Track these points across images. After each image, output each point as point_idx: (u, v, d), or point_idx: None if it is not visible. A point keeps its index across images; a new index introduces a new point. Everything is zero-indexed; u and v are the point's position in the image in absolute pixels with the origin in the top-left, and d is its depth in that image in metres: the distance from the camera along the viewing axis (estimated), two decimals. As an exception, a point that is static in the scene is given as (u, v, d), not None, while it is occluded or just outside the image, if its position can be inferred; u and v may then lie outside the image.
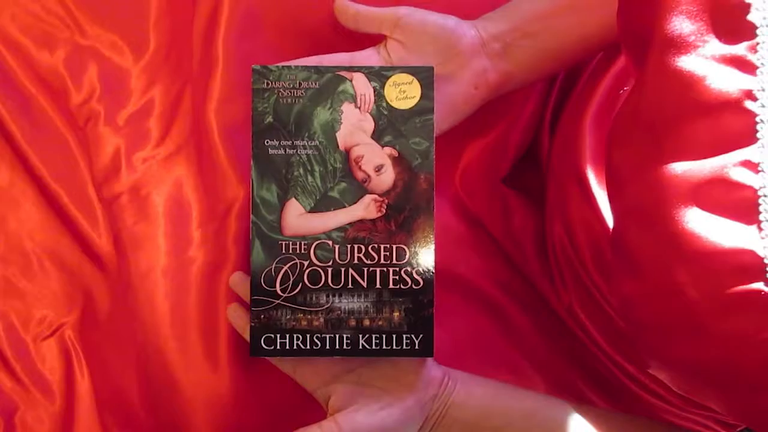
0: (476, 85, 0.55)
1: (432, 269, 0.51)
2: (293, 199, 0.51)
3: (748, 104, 0.37)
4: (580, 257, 0.59)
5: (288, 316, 0.51)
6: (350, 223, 0.51)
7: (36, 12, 0.58)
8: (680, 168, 0.38)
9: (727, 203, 0.37)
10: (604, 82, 0.60)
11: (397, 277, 0.51)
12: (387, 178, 0.51)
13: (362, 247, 0.51)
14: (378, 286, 0.51)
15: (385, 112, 0.51)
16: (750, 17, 0.37)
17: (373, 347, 0.51)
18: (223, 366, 0.56)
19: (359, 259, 0.51)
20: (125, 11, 0.58)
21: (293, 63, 0.54)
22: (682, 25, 0.38)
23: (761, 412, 0.38)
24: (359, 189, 0.51)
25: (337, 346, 0.51)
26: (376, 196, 0.51)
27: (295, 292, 0.51)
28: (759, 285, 0.35)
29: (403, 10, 0.55)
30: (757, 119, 0.37)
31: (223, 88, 0.58)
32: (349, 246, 0.51)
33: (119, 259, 0.58)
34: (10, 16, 0.58)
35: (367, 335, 0.51)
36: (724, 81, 0.37)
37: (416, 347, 0.51)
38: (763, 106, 0.37)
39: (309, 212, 0.51)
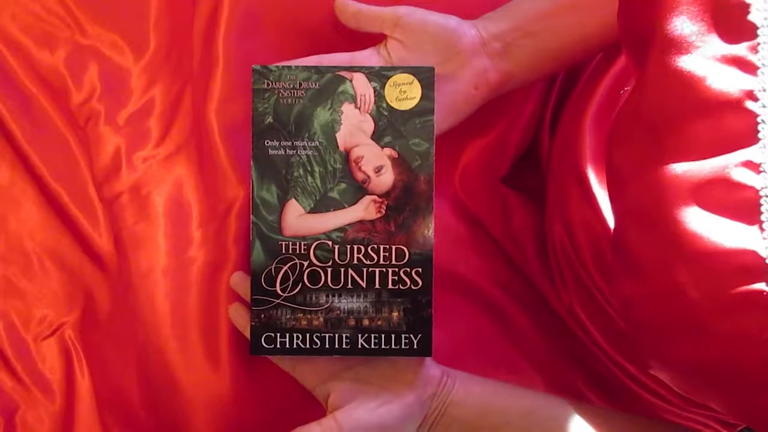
0: (476, 84, 0.55)
1: (431, 270, 0.51)
2: (293, 199, 0.51)
3: (749, 104, 0.37)
4: (580, 257, 0.59)
5: (288, 316, 0.51)
6: (350, 224, 0.51)
7: (36, 11, 0.58)
8: (681, 168, 0.38)
9: (729, 204, 0.37)
10: (605, 81, 0.59)
11: (396, 278, 0.51)
12: (387, 179, 0.51)
13: (362, 247, 0.51)
14: (377, 286, 0.51)
15: (385, 113, 0.51)
16: (751, 17, 0.37)
17: (372, 347, 0.51)
18: (223, 366, 0.56)
19: (359, 259, 0.51)
20: (126, 11, 0.58)
21: (293, 63, 0.54)
22: (682, 25, 0.38)
23: (762, 412, 0.38)
24: (359, 190, 0.51)
25: (337, 346, 0.51)
26: (375, 196, 0.51)
27: (295, 291, 0.51)
28: (761, 285, 0.35)
29: (403, 10, 0.55)
30: (759, 119, 0.37)
31: (223, 88, 0.58)
32: (348, 246, 0.51)
33: (120, 259, 0.58)
34: (10, 15, 0.58)
35: (366, 335, 0.51)
36: (724, 81, 0.37)
37: (415, 347, 0.51)
38: (764, 106, 0.37)
39: (309, 213, 0.51)
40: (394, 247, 0.51)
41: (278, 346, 0.51)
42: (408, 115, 0.51)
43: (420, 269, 0.51)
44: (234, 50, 0.58)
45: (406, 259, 0.51)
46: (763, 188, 0.36)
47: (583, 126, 0.59)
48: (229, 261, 0.57)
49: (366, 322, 0.51)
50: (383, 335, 0.51)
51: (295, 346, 0.51)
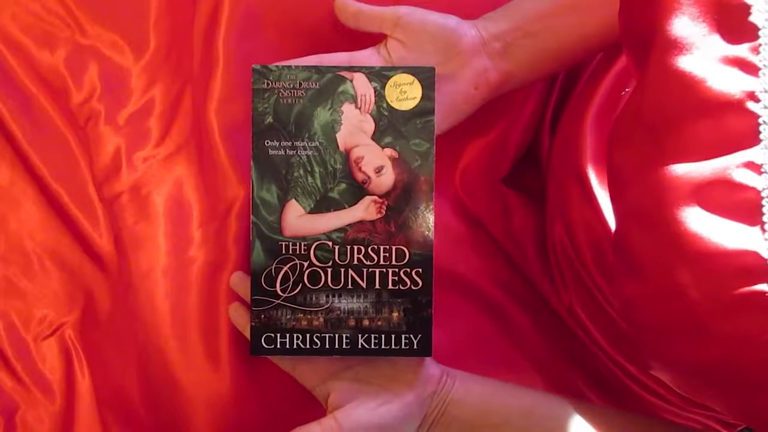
0: (477, 84, 0.55)
1: (431, 271, 0.51)
2: (293, 200, 0.51)
3: (751, 105, 0.37)
4: (580, 257, 0.59)
5: (288, 316, 0.51)
6: (350, 224, 0.51)
7: (36, 11, 0.58)
8: (682, 169, 0.38)
9: (730, 204, 0.37)
10: (605, 82, 0.59)
11: (396, 278, 0.51)
12: (387, 179, 0.51)
13: (362, 248, 0.51)
14: (377, 286, 0.51)
15: (386, 113, 0.51)
16: (752, 18, 0.37)
17: (372, 347, 0.51)
18: (223, 365, 0.56)
19: (359, 259, 0.51)
20: (126, 11, 0.58)
21: (293, 62, 0.54)
22: (683, 26, 0.38)
23: (762, 412, 0.37)
24: (359, 190, 0.51)
25: (337, 346, 0.51)
26: (375, 197, 0.51)
27: (295, 292, 0.51)
28: (762, 286, 0.35)
29: (403, 9, 0.55)
30: (760, 120, 0.37)
31: (223, 87, 0.58)
32: (348, 247, 0.51)
33: (120, 259, 0.58)
34: (10, 15, 0.58)
35: (366, 335, 0.51)
36: (726, 82, 0.37)
37: (414, 347, 0.51)
38: (765, 107, 0.37)
39: (309, 213, 0.51)
40: (394, 248, 0.51)
41: (278, 346, 0.51)
42: (408, 116, 0.51)
43: (420, 269, 0.51)
44: (234, 50, 0.58)
45: (406, 260, 0.51)
46: (764, 189, 0.36)
47: (584, 126, 0.59)
48: (229, 261, 0.57)
49: (366, 323, 0.51)
50: (383, 335, 0.51)
51: (295, 346, 0.51)
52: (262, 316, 0.51)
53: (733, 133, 0.37)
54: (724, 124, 0.37)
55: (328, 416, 0.51)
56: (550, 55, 0.57)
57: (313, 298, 0.51)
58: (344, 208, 0.51)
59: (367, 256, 0.51)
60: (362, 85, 0.51)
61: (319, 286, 0.51)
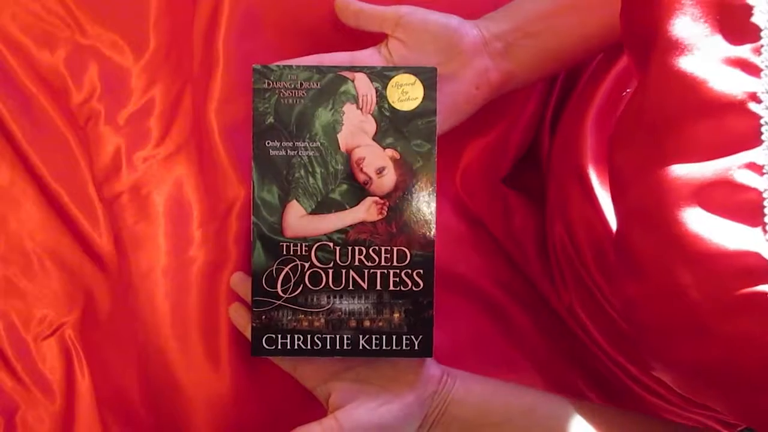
0: (478, 84, 0.55)
1: (432, 272, 0.51)
2: (294, 200, 0.51)
3: (753, 106, 0.37)
4: (580, 257, 0.59)
5: (289, 317, 0.51)
6: (351, 225, 0.51)
7: (36, 11, 0.58)
8: (683, 170, 0.38)
9: (731, 205, 0.37)
10: (606, 82, 0.59)
11: (397, 279, 0.51)
12: (388, 180, 0.51)
13: (363, 249, 0.51)
14: (378, 287, 0.51)
15: (387, 114, 0.51)
16: (754, 19, 0.37)
17: (373, 348, 0.51)
18: (223, 365, 0.56)
19: (360, 260, 0.51)
20: (125, 11, 0.58)
21: (294, 62, 0.54)
22: (685, 26, 0.38)
23: (763, 412, 0.37)
24: (360, 191, 0.51)
25: (338, 347, 0.51)
26: (377, 198, 0.51)
27: (296, 293, 0.51)
28: (764, 287, 0.35)
29: (404, 9, 0.55)
30: (762, 121, 0.37)
31: (223, 87, 0.58)
32: (350, 248, 0.51)
33: (120, 259, 0.58)
34: (10, 15, 0.58)
35: (367, 336, 0.51)
36: (727, 83, 0.37)
37: (415, 348, 0.51)
38: (767, 108, 0.37)
39: (310, 214, 0.51)
40: (395, 249, 0.51)
41: (279, 347, 0.51)
42: (410, 116, 0.51)
43: (421, 270, 0.51)
44: (234, 50, 0.58)
45: (407, 261, 0.51)
46: (766, 190, 0.36)
47: (584, 126, 0.59)
48: (229, 261, 0.57)
49: (367, 324, 0.51)
50: (384, 336, 0.51)
51: (296, 347, 0.51)
52: (263, 317, 0.51)
53: (734, 134, 0.37)
54: (725, 124, 0.37)
55: (329, 416, 0.51)
56: (551, 55, 0.57)
57: (314, 299, 0.51)
58: (345, 208, 0.51)
59: (368, 257, 0.51)
60: (364, 86, 0.51)
61: (320, 287, 0.51)
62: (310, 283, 0.51)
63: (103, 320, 0.58)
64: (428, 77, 0.51)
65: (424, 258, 0.51)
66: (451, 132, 0.57)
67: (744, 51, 0.37)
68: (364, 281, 0.51)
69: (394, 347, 0.51)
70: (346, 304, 0.51)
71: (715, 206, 0.37)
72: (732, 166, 0.37)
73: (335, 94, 0.51)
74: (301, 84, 0.51)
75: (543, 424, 0.54)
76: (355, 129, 0.51)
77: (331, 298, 0.51)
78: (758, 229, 0.36)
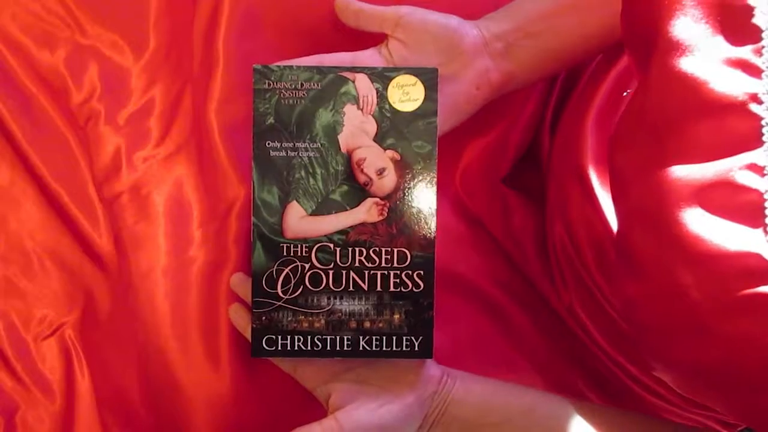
0: (478, 85, 0.55)
1: (432, 273, 0.51)
2: (294, 201, 0.51)
3: (754, 107, 0.37)
4: (580, 257, 0.59)
5: (289, 318, 0.51)
6: (351, 226, 0.51)
7: (36, 11, 0.58)
8: (684, 170, 0.38)
9: (732, 206, 0.37)
10: (606, 82, 0.59)
11: (397, 280, 0.51)
12: (389, 181, 0.51)
13: (363, 250, 0.51)
14: (379, 288, 0.51)
15: (388, 114, 0.51)
16: (755, 20, 0.37)
17: (373, 349, 0.51)
18: (223, 366, 0.56)
19: (360, 261, 0.51)
20: (125, 11, 0.58)
21: (294, 62, 0.54)
22: (686, 27, 0.38)
23: (763, 413, 0.38)
24: (361, 192, 0.51)
25: (338, 348, 0.51)
26: (377, 199, 0.51)
27: (296, 294, 0.51)
28: (764, 288, 0.35)
29: (404, 9, 0.55)
30: (763, 122, 0.37)
31: (223, 87, 0.58)
32: (350, 249, 0.51)
33: (120, 259, 0.58)
34: (10, 15, 0.58)
35: (367, 337, 0.51)
36: (728, 84, 0.37)
37: (416, 349, 0.51)
38: (768, 109, 0.37)
39: (310, 215, 0.51)
40: (395, 250, 0.51)
41: (279, 348, 0.51)
42: (411, 117, 0.51)
43: (421, 272, 0.51)
44: (234, 50, 0.58)
45: (407, 262, 0.51)
46: (767, 191, 0.36)
47: (584, 126, 0.59)
48: (229, 261, 0.57)
49: (367, 325, 0.51)
50: (384, 337, 0.51)
51: (296, 348, 0.51)
52: (263, 317, 0.51)
53: (735, 134, 0.37)
54: (726, 125, 0.37)
55: (329, 417, 0.51)
56: (552, 55, 0.57)
57: (315, 300, 0.51)
58: (346, 209, 0.51)
59: (368, 258, 0.51)
60: (364, 86, 0.51)
61: (321, 288, 0.51)
62: (310, 284, 0.51)
63: (103, 320, 0.58)
64: (429, 78, 0.51)
65: (425, 259, 0.51)
66: (451, 132, 0.57)
67: (745, 52, 0.37)
68: (364, 282, 0.51)
69: (394, 348, 0.51)
70: (347, 305, 0.51)
71: (716, 207, 0.37)
72: (733, 167, 0.37)
73: (336, 95, 0.51)
74: (302, 84, 0.51)
75: (543, 424, 0.54)
76: (356, 130, 0.51)
77: (332, 299, 0.51)
78: (759, 230, 0.36)
